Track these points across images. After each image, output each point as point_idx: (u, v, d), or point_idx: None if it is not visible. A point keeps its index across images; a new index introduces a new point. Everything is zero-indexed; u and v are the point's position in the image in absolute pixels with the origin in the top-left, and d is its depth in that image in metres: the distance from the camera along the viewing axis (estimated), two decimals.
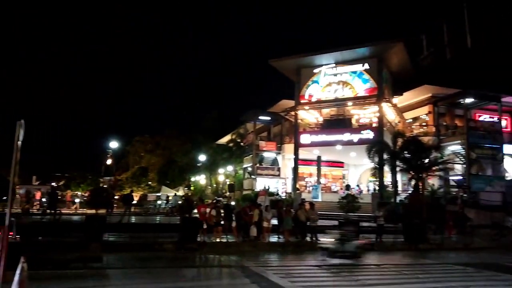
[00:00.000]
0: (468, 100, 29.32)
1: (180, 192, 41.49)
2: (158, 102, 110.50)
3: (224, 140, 47.63)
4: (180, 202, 27.81)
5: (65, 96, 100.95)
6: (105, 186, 41.11)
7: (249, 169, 38.89)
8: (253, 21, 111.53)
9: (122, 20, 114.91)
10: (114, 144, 39.27)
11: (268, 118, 39.22)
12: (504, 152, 28.82)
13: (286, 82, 35.33)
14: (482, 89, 29.31)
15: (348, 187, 30.46)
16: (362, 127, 30.32)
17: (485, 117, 31.75)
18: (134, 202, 31.44)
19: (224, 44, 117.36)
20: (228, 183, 41.80)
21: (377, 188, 28.88)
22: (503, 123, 31.26)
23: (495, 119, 30.30)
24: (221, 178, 45.27)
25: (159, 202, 35.80)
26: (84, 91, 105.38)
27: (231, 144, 41.09)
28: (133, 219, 23.43)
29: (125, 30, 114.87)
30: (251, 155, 38.09)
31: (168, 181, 49.91)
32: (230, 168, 41.79)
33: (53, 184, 49.93)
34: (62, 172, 60.88)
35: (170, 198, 34.01)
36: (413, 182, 22.06)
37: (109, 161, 42.50)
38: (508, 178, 29.17)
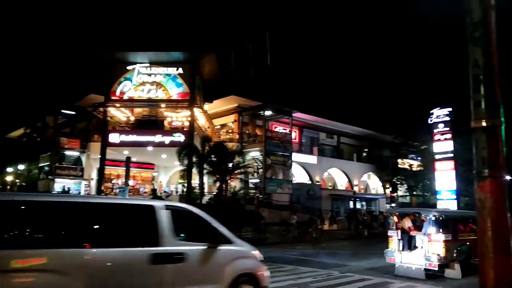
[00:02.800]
0: (267, 113, 33.13)
1: None
2: None
3: (15, 134, 41.13)
4: None
5: None
6: None
7: (46, 168, 34.56)
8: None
9: None
10: None
11: (73, 112, 35.60)
12: (293, 159, 33.59)
13: (97, 76, 32.91)
14: (278, 104, 33.62)
15: (154, 191, 30.36)
16: (174, 130, 30.72)
17: (279, 129, 36.40)
18: None
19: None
20: (18, 184, 36.15)
21: (185, 189, 29.66)
22: (293, 134, 36.46)
23: (287, 130, 35.07)
24: (9, 178, 38.84)
25: None
26: None
27: (24, 139, 35.74)
28: None
29: None
30: (49, 153, 33.90)
31: None
32: (21, 167, 36.26)
33: None
34: None
35: None
36: (218, 184, 23.60)
37: None
38: (295, 182, 34.14)
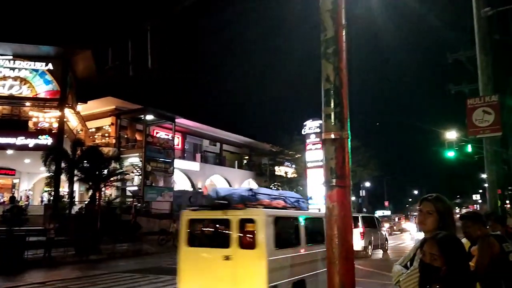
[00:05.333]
0: (148, 117, 31.87)
1: None
2: None
3: None
4: None
5: None
6: None
7: None
8: None
9: None
10: None
11: None
12: (175, 166, 32.89)
13: None
14: (161, 109, 32.63)
15: (13, 199, 26.92)
16: (40, 132, 27.58)
17: (161, 134, 35.38)
18: None
19: None
20: None
21: (51, 198, 26.82)
22: (176, 140, 35.74)
23: (170, 136, 34.26)
24: None
25: None
26: None
27: None
28: None
29: None
30: None
31: None
32: None
33: None
34: None
35: None
36: (90, 192, 21.82)
37: None
38: (176, 189, 33.44)
